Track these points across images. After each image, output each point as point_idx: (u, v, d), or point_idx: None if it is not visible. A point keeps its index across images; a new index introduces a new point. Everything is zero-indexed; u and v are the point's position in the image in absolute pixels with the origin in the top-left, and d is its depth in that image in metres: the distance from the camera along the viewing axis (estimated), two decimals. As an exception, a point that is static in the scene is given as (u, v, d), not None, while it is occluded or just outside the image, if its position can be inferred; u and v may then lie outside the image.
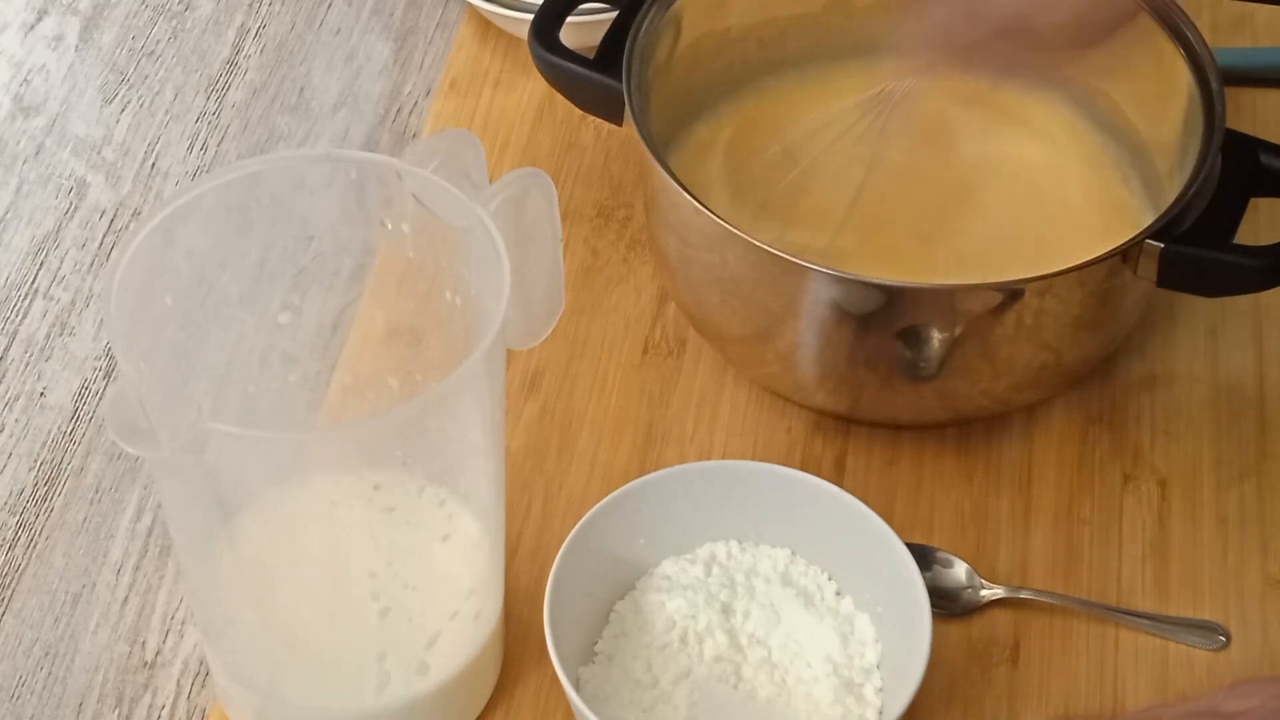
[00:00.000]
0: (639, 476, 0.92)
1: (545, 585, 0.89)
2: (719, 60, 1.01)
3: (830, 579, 0.85)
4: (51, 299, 0.99)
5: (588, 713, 0.77)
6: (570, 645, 0.81)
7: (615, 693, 0.82)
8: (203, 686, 0.86)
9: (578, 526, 0.83)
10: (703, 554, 0.85)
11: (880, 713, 0.81)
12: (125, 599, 0.89)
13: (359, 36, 1.13)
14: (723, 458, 0.94)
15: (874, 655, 0.83)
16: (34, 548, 0.90)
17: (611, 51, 0.94)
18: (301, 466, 0.77)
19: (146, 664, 0.87)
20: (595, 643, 0.84)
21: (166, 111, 1.08)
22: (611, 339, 0.99)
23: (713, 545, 0.86)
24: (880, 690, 0.82)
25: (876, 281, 0.86)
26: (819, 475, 0.93)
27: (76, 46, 1.11)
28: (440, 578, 0.82)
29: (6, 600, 0.88)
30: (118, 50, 1.11)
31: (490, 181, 0.76)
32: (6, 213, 1.03)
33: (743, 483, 0.85)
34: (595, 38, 0.96)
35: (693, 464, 0.87)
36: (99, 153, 1.06)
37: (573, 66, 0.95)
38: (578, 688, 0.80)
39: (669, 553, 0.86)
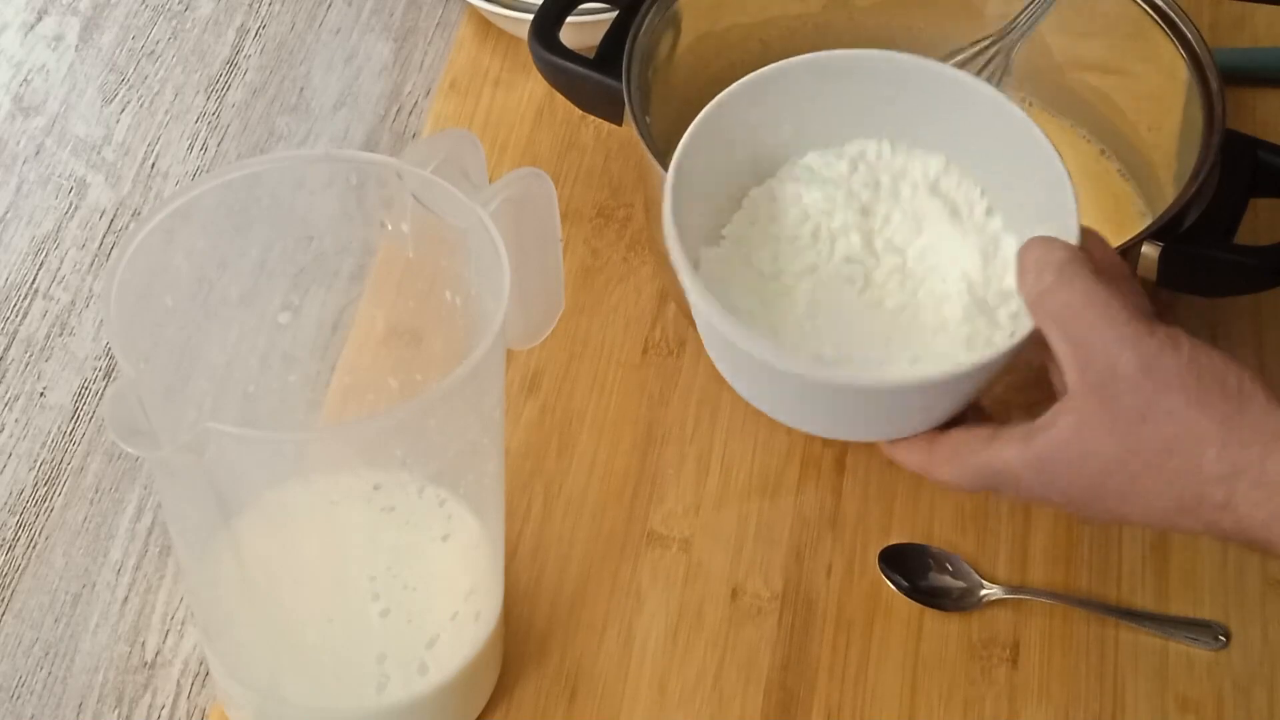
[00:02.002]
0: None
1: (545, 585, 0.89)
2: (719, 60, 1.01)
3: (983, 195, 0.78)
4: (51, 299, 0.99)
5: (700, 295, 0.73)
6: (695, 223, 0.77)
7: (734, 279, 0.78)
8: (203, 686, 0.86)
9: (712, 103, 0.77)
10: (851, 150, 0.79)
11: (1011, 336, 0.74)
12: (125, 599, 0.89)
13: (359, 36, 1.13)
14: (723, 458, 0.94)
15: (1015, 280, 0.75)
16: (34, 548, 0.90)
17: (611, 51, 0.94)
18: (301, 467, 0.77)
19: (146, 664, 0.87)
20: (724, 225, 0.79)
21: (166, 111, 1.08)
22: (611, 339, 0.99)
23: (864, 143, 0.79)
24: (1014, 316, 0.75)
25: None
26: (818, 475, 0.93)
27: (76, 46, 1.11)
28: (440, 578, 0.82)
29: (6, 600, 0.88)
30: (118, 50, 1.11)
31: (490, 181, 0.76)
32: (6, 213, 1.03)
33: (905, 79, 0.78)
34: (595, 38, 0.96)
35: (851, 51, 0.79)
36: (99, 153, 1.06)
37: (573, 66, 0.95)
38: (697, 266, 0.77)
39: (816, 144, 0.79)
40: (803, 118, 0.79)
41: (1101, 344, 0.68)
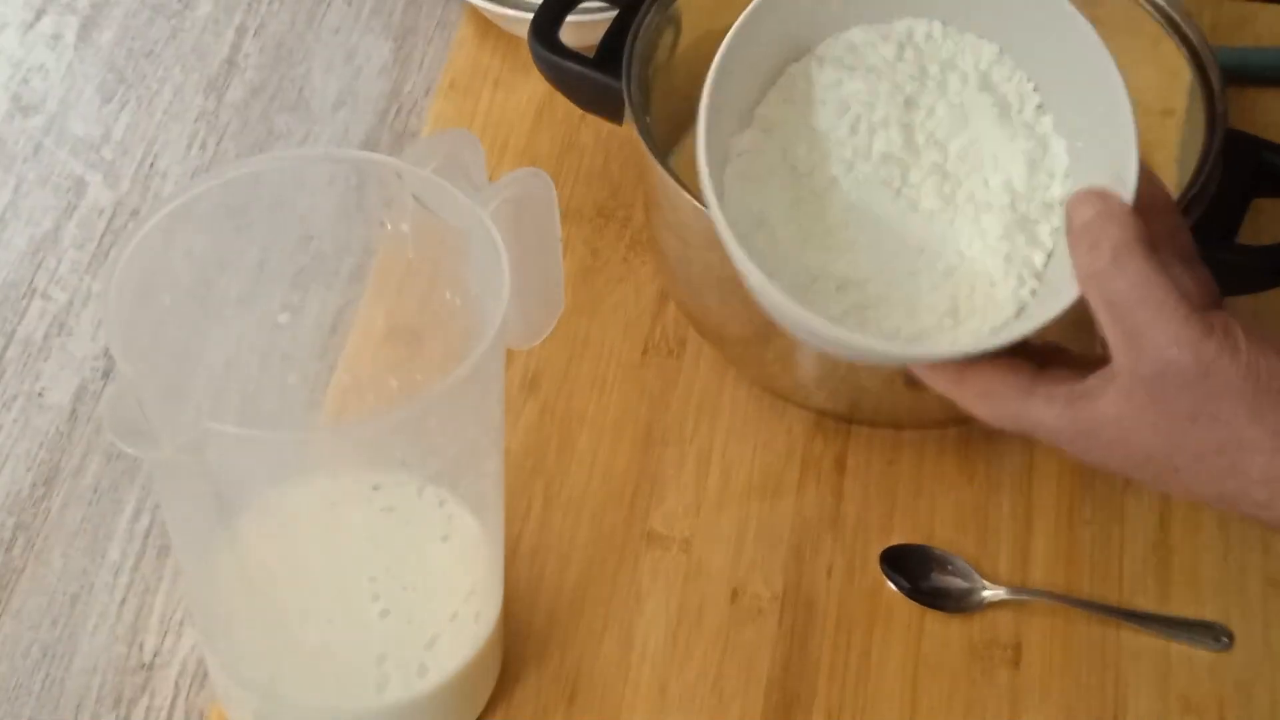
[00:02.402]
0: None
1: (545, 585, 0.89)
2: (719, 60, 1.01)
3: (1036, 90, 0.74)
4: (50, 299, 0.99)
5: (726, 236, 0.70)
6: (730, 103, 0.73)
7: (767, 176, 0.74)
8: (200, 688, 0.86)
9: (742, 20, 0.72)
10: (899, 30, 0.75)
11: (1050, 256, 0.72)
12: (123, 600, 0.89)
13: (359, 36, 1.13)
14: (723, 458, 0.94)
15: (1061, 191, 0.72)
16: (32, 549, 0.90)
17: (611, 51, 0.94)
18: (301, 467, 0.77)
19: (144, 665, 0.87)
20: (756, 105, 0.75)
21: (165, 111, 1.08)
22: (611, 339, 0.98)
23: (913, 22, 0.75)
24: (1056, 232, 0.71)
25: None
26: (819, 476, 0.93)
27: (75, 45, 1.11)
28: (440, 578, 0.82)
29: (4, 601, 0.88)
30: (116, 49, 1.11)
31: (490, 182, 0.76)
32: (5, 212, 1.03)
33: None
34: (595, 37, 0.95)
35: None
36: (98, 152, 1.06)
37: (573, 66, 0.94)
38: (728, 158, 0.74)
39: (863, 17, 0.75)
40: None
41: (1156, 341, 0.65)
